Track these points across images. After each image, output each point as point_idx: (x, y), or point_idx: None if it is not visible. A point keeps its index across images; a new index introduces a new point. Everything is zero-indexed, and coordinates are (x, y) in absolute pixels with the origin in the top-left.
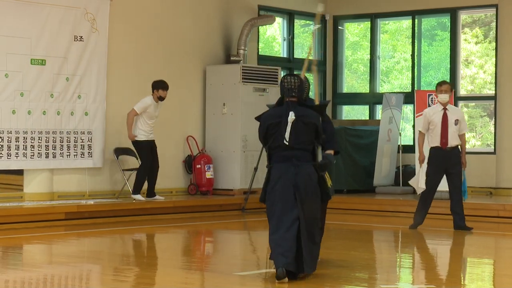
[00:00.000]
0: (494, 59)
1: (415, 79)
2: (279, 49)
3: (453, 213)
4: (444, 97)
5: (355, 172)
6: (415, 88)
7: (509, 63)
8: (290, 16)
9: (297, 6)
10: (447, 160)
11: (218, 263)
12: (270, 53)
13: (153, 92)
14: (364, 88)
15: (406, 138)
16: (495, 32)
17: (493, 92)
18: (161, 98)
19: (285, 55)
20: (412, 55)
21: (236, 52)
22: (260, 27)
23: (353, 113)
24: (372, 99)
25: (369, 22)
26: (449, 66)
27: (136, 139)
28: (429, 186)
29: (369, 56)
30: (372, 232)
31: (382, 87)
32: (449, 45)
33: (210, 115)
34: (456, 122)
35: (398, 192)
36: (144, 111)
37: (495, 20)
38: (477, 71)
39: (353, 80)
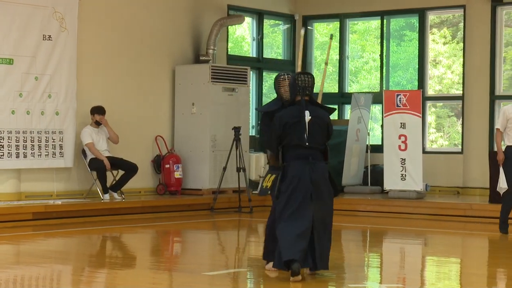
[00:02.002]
0: (461, 59)
1: (384, 79)
2: (249, 49)
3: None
4: None
5: None
6: (384, 88)
7: (477, 63)
8: (260, 16)
9: (266, 6)
10: None
11: (187, 263)
12: (239, 53)
13: (92, 117)
14: (333, 88)
15: (375, 138)
16: (462, 33)
17: (461, 92)
18: (97, 123)
19: (254, 55)
20: (381, 55)
21: (205, 52)
22: (229, 26)
23: None
24: (341, 99)
25: (338, 22)
26: (417, 66)
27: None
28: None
29: (338, 56)
30: (340, 231)
31: (351, 87)
32: (417, 45)
33: (179, 115)
34: None
35: (366, 192)
36: (92, 137)
37: (462, 21)
38: (445, 71)
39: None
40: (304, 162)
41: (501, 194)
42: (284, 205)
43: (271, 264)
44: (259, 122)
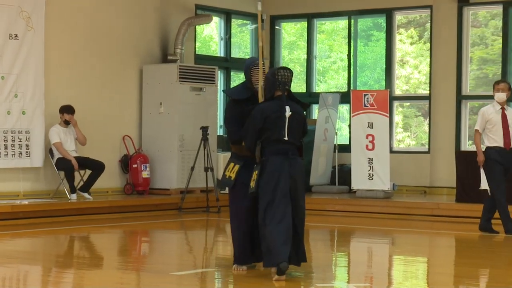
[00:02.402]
0: (428, 59)
1: (351, 79)
2: (216, 49)
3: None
4: (501, 95)
5: None
6: (351, 88)
7: (443, 63)
8: (227, 15)
9: (234, 6)
10: (508, 160)
11: (155, 263)
12: (207, 53)
13: (60, 116)
14: (301, 88)
15: (342, 137)
16: (429, 33)
17: (428, 92)
18: (66, 122)
19: (222, 55)
20: (348, 55)
21: (173, 51)
22: (197, 26)
23: None
24: (309, 98)
25: (306, 22)
26: (384, 66)
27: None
28: (500, 188)
29: (305, 56)
30: (308, 231)
31: (319, 87)
32: (385, 45)
33: (146, 115)
34: None
35: (334, 191)
36: (60, 137)
37: (429, 21)
38: (412, 71)
39: None
40: (284, 157)
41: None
42: (267, 204)
43: (243, 266)
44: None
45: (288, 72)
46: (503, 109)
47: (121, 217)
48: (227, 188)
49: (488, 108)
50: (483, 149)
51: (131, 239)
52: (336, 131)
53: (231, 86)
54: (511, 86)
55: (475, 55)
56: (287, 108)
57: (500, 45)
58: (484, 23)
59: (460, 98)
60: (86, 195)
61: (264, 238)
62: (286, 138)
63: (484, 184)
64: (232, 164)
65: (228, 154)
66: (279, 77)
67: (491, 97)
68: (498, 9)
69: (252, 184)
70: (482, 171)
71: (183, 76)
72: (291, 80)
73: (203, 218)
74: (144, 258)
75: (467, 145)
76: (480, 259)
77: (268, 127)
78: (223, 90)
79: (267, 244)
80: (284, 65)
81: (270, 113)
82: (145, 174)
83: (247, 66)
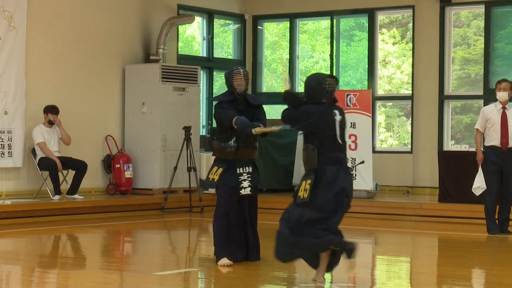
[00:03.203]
0: (411, 59)
1: None
2: (199, 49)
3: (493, 217)
4: (503, 95)
5: (275, 171)
6: None
7: (426, 63)
8: (210, 15)
9: (216, 6)
10: (505, 160)
11: (137, 263)
12: (189, 53)
13: (45, 116)
14: (283, 88)
15: None
16: (412, 33)
17: (410, 92)
18: (50, 123)
19: (204, 55)
20: (331, 55)
21: (156, 51)
22: (179, 26)
23: (272, 112)
24: None
25: (288, 22)
26: (367, 66)
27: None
28: (492, 188)
29: (288, 56)
30: None
31: (301, 87)
32: (367, 45)
33: (129, 115)
34: None
35: None
36: (44, 137)
37: (412, 21)
38: (395, 71)
39: (272, 80)
40: (339, 167)
41: (476, 194)
42: (320, 217)
43: (224, 260)
44: (213, 114)
45: (335, 80)
46: (504, 108)
47: (104, 217)
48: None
49: (489, 107)
50: (483, 149)
51: (114, 239)
52: None
53: (214, 86)
54: None
55: (458, 55)
56: (337, 112)
57: (482, 45)
58: (466, 23)
59: (442, 98)
60: (76, 196)
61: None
62: (340, 143)
63: (479, 184)
64: (215, 168)
65: (210, 154)
66: (327, 86)
67: (473, 97)
68: (480, 9)
69: (305, 194)
70: (479, 171)
71: (165, 76)
72: (335, 89)
73: (186, 218)
74: (127, 258)
75: (450, 145)
76: (463, 259)
77: (319, 131)
78: (211, 98)
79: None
80: (266, 65)
81: (319, 114)
82: (128, 174)
83: (227, 74)
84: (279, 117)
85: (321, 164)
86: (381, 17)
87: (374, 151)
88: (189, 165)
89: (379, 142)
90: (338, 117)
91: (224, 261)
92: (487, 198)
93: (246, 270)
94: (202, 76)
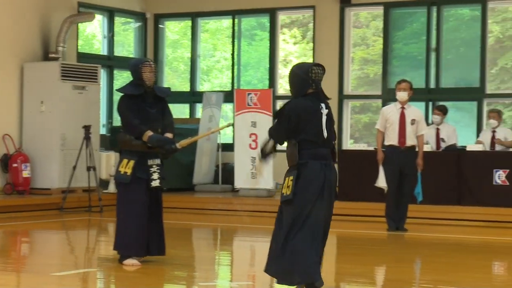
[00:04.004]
0: (311, 59)
1: (235, 78)
2: (99, 47)
3: (393, 215)
4: (403, 95)
5: (175, 170)
6: (235, 87)
7: (326, 63)
8: (111, 13)
9: (117, 4)
10: (403, 159)
11: (35, 263)
12: (89, 51)
13: None
14: (185, 87)
15: (226, 136)
16: (312, 33)
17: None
18: None
19: (105, 53)
20: (232, 54)
21: (55, 49)
22: (79, 24)
23: (173, 111)
24: (192, 97)
25: (190, 21)
26: (268, 65)
27: None
28: (391, 186)
29: (189, 54)
30: (191, 230)
31: (203, 86)
32: (268, 45)
33: (27, 113)
34: (413, 121)
35: (217, 190)
36: None
37: (312, 21)
38: None
39: (174, 79)
40: (322, 162)
41: (383, 191)
42: (299, 214)
43: (131, 260)
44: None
45: (321, 69)
46: (403, 108)
47: (1, 218)
48: (109, 187)
49: (389, 107)
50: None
51: (11, 239)
52: None
53: (114, 85)
54: (412, 85)
55: (357, 55)
56: (323, 105)
57: (381, 46)
58: (366, 24)
59: (342, 97)
60: None
61: (293, 253)
62: (325, 137)
63: (381, 182)
64: (126, 160)
65: (110, 154)
66: (313, 75)
67: (372, 97)
68: (379, 10)
69: (287, 191)
70: (381, 170)
71: (65, 74)
72: (322, 78)
73: (85, 218)
74: (24, 259)
75: (349, 144)
76: (361, 256)
77: (303, 126)
78: (116, 89)
79: (295, 258)
80: (168, 64)
81: (305, 110)
82: (25, 173)
83: (135, 65)
84: (179, 116)
85: (304, 159)
86: (282, 17)
87: (274, 150)
88: (88, 165)
89: None
90: (324, 111)
91: (131, 261)
92: (386, 197)
93: (147, 269)
94: (103, 75)
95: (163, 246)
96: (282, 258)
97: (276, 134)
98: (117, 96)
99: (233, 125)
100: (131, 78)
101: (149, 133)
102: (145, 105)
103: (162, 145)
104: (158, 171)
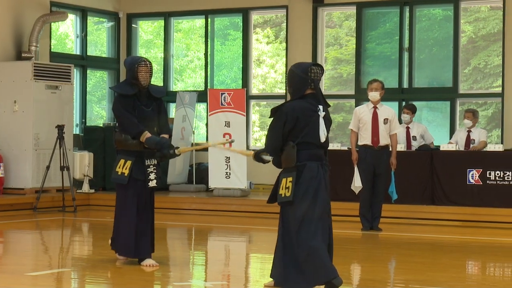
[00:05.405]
0: (284, 59)
1: (208, 78)
2: (72, 46)
3: (367, 214)
4: (375, 95)
5: None
6: (208, 87)
7: None
8: (83, 13)
9: (90, 3)
10: (377, 159)
11: (9, 263)
12: (62, 50)
13: None
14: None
15: (200, 136)
16: (285, 33)
17: (284, 91)
18: None
19: (78, 52)
20: (205, 54)
21: (28, 49)
22: (52, 23)
23: None
24: (166, 97)
25: (163, 20)
26: (241, 65)
27: None
28: (365, 186)
29: (162, 54)
30: (165, 230)
31: (176, 86)
32: (241, 44)
33: (0, 113)
34: (386, 121)
35: (191, 190)
36: None
37: (285, 21)
38: (268, 70)
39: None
40: (320, 163)
41: (356, 192)
42: (304, 216)
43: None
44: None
45: (320, 69)
46: (375, 108)
47: None
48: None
49: (361, 107)
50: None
51: None
52: (193, 130)
53: (87, 85)
54: (383, 85)
55: (330, 55)
56: (320, 107)
57: (354, 46)
58: (338, 24)
59: None
60: None
61: (308, 255)
62: (322, 141)
63: (358, 182)
64: (123, 161)
65: (84, 153)
66: (312, 74)
67: (345, 97)
68: (352, 10)
69: (287, 192)
70: (356, 170)
71: (38, 74)
72: (321, 78)
73: (59, 217)
74: None
75: None
76: (336, 256)
77: (300, 128)
78: (110, 87)
79: (310, 260)
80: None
81: (302, 113)
82: None
83: (131, 64)
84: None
85: (302, 161)
86: (255, 17)
87: (248, 150)
88: (62, 164)
89: (253, 140)
90: (321, 113)
91: (150, 261)
92: (360, 196)
93: (121, 269)
94: (76, 74)
95: (153, 245)
96: (297, 260)
97: (272, 145)
98: (90, 96)
99: (233, 141)
100: (104, 78)
101: (147, 134)
102: (140, 104)
103: (160, 149)
104: (155, 171)
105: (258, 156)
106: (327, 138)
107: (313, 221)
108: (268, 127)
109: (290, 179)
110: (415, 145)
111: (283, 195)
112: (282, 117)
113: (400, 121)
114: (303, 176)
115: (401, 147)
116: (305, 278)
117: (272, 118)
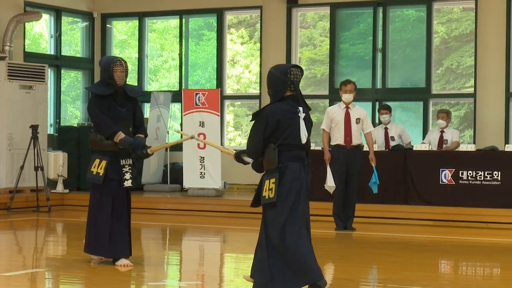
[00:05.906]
0: (259, 59)
1: (183, 78)
2: (46, 46)
3: (341, 214)
4: (348, 97)
5: None
6: (183, 87)
7: (273, 63)
8: (58, 13)
9: (64, 3)
10: (349, 158)
11: None
12: (37, 50)
13: None
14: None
15: (174, 136)
16: (259, 33)
17: (258, 91)
18: None
19: (52, 52)
20: (180, 54)
21: (2, 49)
22: (26, 23)
23: None
24: (140, 97)
25: (137, 20)
26: (215, 65)
27: None
28: (339, 185)
29: (137, 54)
30: (140, 229)
31: (150, 86)
32: (216, 45)
33: None
34: (358, 121)
35: (166, 190)
36: None
37: (259, 21)
38: (243, 70)
39: None
40: (301, 164)
41: (331, 192)
42: (287, 217)
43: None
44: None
45: (300, 70)
46: (347, 108)
47: None
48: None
49: (333, 107)
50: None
51: None
52: (167, 130)
53: (62, 85)
54: (356, 85)
55: (304, 55)
56: (300, 109)
57: (328, 46)
58: (312, 24)
59: None
60: None
61: (294, 257)
62: (303, 142)
63: (330, 182)
64: (98, 161)
65: (58, 153)
66: (292, 76)
67: (319, 97)
68: (326, 11)
69: (270, 193)
70: (328, 170)
71: (11, 73)
72: (300, 79)
73: (33, 218)
74: None
75: None
76: None
77: (282, 130)
78: (85, 88)
79: (296, 261)
80: None
81: (283, 115)
82: None
83: (107, 63)
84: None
85: (284, 162)
86: (229, 17)
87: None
88: (36, 164)
89: (228, 141)
90: (302, 115)
91: (124, 261)
92: (334, 196)
93: (96, 269)
94: (50, 74)
95: (131, 247)
96: (282, 261)
97: (253, 149)
98: (65, 96)
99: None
100: (78, 78)
101: (121, 135)
102: (116, 104)
103: (134, 150)
104: (130, 171)
105: (239, 157)
106: (308, 139)
107: (297, 221)
108: (249, 130)
109: (273, 180)
110: (393, 145)
111: (266, 197)
112: (263, 120)
113: (379, 122)
114: (285, 177)
115: (376, 147)
116: (291, 279)
117: (253, 122)
